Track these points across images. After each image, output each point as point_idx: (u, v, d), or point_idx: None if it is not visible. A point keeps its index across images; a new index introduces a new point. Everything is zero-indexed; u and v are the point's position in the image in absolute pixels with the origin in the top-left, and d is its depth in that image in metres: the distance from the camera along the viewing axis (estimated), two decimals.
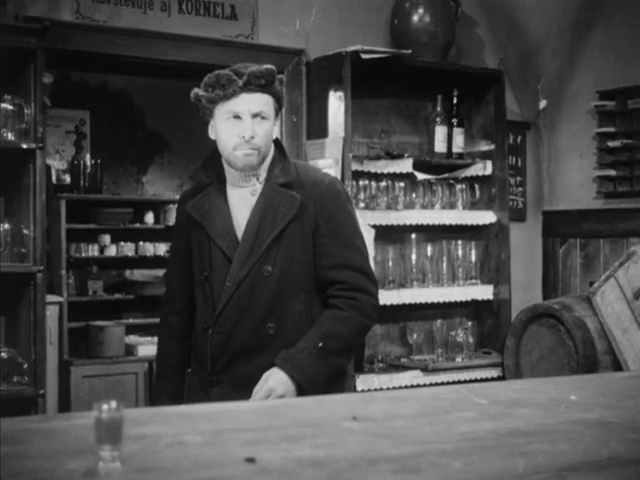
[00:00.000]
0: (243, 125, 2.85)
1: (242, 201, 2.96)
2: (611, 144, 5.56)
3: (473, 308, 5.57)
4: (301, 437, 1.70)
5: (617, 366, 4.74)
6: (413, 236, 5.26)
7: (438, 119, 5.41)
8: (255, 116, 2.86)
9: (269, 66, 2.91)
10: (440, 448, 1.61)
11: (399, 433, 1.75)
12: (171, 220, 7.54)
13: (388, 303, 5.02)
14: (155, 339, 6.51)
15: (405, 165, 5.12)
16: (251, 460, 1.49)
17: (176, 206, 3.21)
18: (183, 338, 3.11)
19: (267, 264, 2.91)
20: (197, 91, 2.91)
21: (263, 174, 2.96)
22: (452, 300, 5.31)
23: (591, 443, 1.67)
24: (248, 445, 1.63)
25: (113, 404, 1.49)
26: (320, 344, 2.85)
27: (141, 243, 7.39)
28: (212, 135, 2.98)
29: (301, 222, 2.93)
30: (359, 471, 1.46)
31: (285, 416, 1.94)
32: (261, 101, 2.87)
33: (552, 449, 1.61)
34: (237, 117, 2.86)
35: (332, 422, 1.86)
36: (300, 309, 2.94)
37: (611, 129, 5.57)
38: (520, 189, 6.03)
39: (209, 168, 3.03)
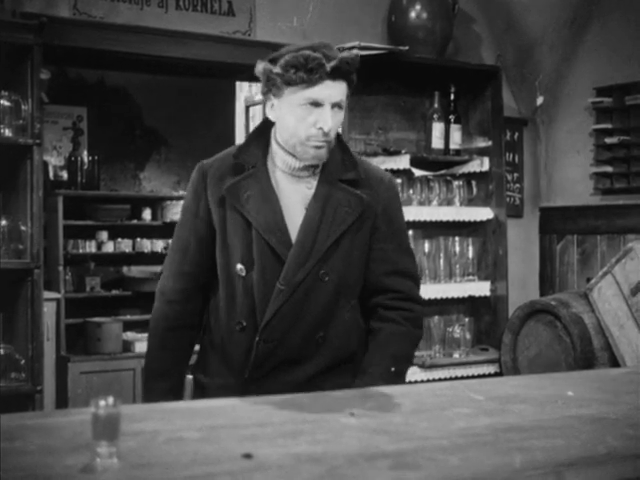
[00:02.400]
0: (323, 115, 2.56)
1: (296, 193, 2.68)
2: (608, 141, 5.56)
3: (470, 304, 5.57)
4: (299, 433, 1.71)
5: (614, 362, 4.74)
6: (410, 232, 5.26)
7: (435, 115, 5.41)
8: (334, 106, 2.59)
9: (357, 52, 2.68)
10: (437, 444, 1.62)
11: (396, 429, 1.75)
12: (169, 216, 7.54)
13: None
14: None
15: (402, 161, 5.12)
16: (248, 456, 1.50)
17: (191, 178, 2.79)
18: (186, 330, 2.79)
19: (325, 268, 2.65)
20: (270, 67, 2.59)
21: (319, 167, 2.69)
22: (449, 296, 5.31)
23: (588, 439, 1.67)
24: (246, 441, 1.64)
25: (110, 400, 1.50)
26: (392, 368, 2.66)
27: (138, 239, 7.38)
28: (272, 116, 2.66)
29: (361, 223, 2.69)
30: (357, 467, 1.46)
31: (283, 412, 1.95)
32: (341, 90, 2.61)
33: (549, 445, 1.61)
34: (316, 105, 2.57)
35: (330, 418, 1.87)
36: (350, 317, 2.72)
37: (608, 126, 5.57)
38: (517, 185, 6.04)
39: (254, 147, 2.72)
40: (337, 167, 2.70)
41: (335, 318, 2.68)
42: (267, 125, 2.74)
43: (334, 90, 2.58)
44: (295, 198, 2.67)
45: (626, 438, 1.68)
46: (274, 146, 2.69)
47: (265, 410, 1.98)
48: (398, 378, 2.65)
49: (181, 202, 7.85)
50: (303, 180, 2.68)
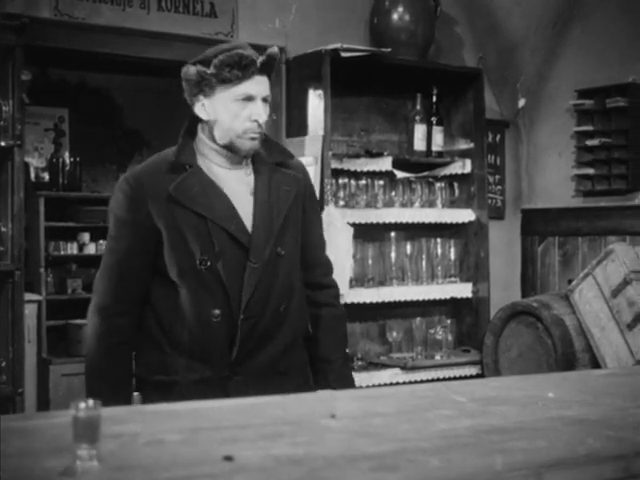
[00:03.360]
0: (256, 108, 2.74)
1: (238, 182, 2.82)
2: (589, 143, 5.58)
3: (452, 306, 5.58)
4: (280, 435, 1.71)
5: (595, 364, 4.76)
6: (392, 234, 5.27)
7: (417, 117, 5.41)
8: (264, 100, 2.77)
9: (275, 49, 2.83)
10: (418, 446, 1.62)
11: (378, 431, 1.76)
12: None
13: (367, 301, 5.03)
14: None
15: (384, 163, 5.12)
16: (229, 458, 1.49)
17: (121, 190, 2.81)
18: (132, 341, 2.83)
19: (279, 244, 2.82)
20: (203, 69, 2.74)
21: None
22: (431, 298, 5.32)
23: (568, 440, 1.68)
24: (226, 443, 1.63)
25: (90, 403, 1.49)
26: (347, 350, 2.95)
27: None
28: (204, 116, 2.79)
29: (296, 202, 2.90)
30: (337, 469, 1.46)
31: (264, 414, 1.94)
32: (267, 84, 2.79)
33: (530, 446, 1.62)
34: (249, 99, 2.73)
35: (311, 420, 1.87)
36: (300, 287, 2.93)
37: (590, 128, 5.60)
38: (499, 187, 6.05)
39: (189, 148, 2.84)
40: (267, 152, 2.88)
41: (293, 290, 2.88)
42: (194, 125, 2.87)
43: (263, 85, 2.77)
44: (239, 188, 2.82)
45: (606, 439, 1.68)
46: (207, 143, 2.82)
47: (246, 412, 1.98)
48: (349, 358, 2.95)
49: None
50: (240, 170, 2.84)
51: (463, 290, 5.43)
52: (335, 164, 4.96)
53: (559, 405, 2.06)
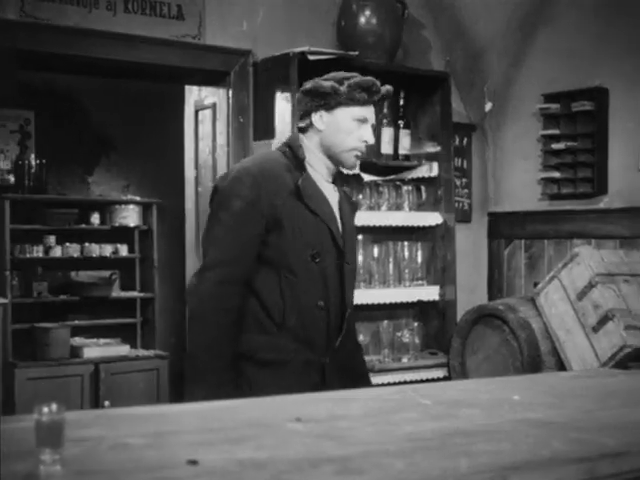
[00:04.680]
0: (367, 131, 3.13)
1: (331, 193, 3.18)
2: (555, 146, 5.61)
3: (419, 309, 5.60)
4: (244, 439, 1.70)
5: (561, 366, 4.79)
6: (360, 237, 5.26)
7: (384, 121, 5.42)
8: (372, 125, 3.16)
9: (391, 88, 3.23)
10: (383, 449, 1.62)
11: (343, 434, 1.75)
12: (117, 221, 7.49)
13: None
14: (102, 341, 6.50)
15: None
16: (193, 462, 1.49)
17: (246, 178, 3.06)
18: (239, 323, 3.05)
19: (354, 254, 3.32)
20: (337, 86, 3.09)
21: None
22: (398, 301, 5.33)
23: (533, 443, 1.68)
24: (191, 447, 1.63)
25: (54, 407, 1.48)
26: None
27: (87, 244, 7.32)
28: (321, 126, 3.12)
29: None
30: (302, 472, 1.45)
31: (229, 418, 1.94)
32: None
33: (495, 449, 1.62)
34: (363, 122, 3.11)
35: (276, 423, 1.86)
36: None
37: (555, 131, 5.63)
38: (466, 190, 6.07)
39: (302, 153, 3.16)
40: (337, 176, 3.26)
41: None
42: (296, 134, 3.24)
43: (374, 113, 3.18)
44: (332, 197, 3.18)
45: (571, 442, 1.69)
46: (315, 152, 3.16)
47: (211, 415, 1.97)
48: None
49: (130, 206, 7.83)
50: (330, 183, 3.21)
51: (430, 293, 5.44)
52: None
53: (524, 408, 2.07)
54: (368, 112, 3.13)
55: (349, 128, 3.11)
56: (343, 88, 3.09)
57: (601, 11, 5.47)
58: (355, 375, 3.20)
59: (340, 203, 3.21)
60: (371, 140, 3.15)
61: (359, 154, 3.16)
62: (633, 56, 5.29)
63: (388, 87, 3.21)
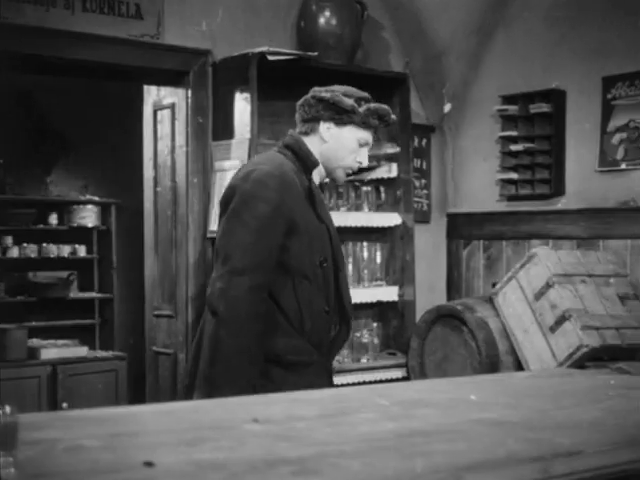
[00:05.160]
0: (364, 154, 3.27)
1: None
2: (513, 148, 5.65)
3: (378, 309, 5.61)
4: (201, 440, 1.69)
5: (518, 366, 4.82)
6: None
7: None
8: (369, 149, 3.33)
9: (394, 117, 3.42)
10: (340, 449, 1.62)
11: (300, 435, 1.75)
12: (76, 221, 7.44)
13: None
14: (60, 342, 6.45)
15: None
16: (150, 464, 1.48)
17: (270, 181, 3.07)
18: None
19: None
20: (355, 105, 3.21)
21: None
22: (357, 301, 5.32)
23: (489, 442, 1.69)
24: (147, 449, 1.62)
25: (7, 409, 1.47)
26: None
27: (44, 244, 7.27)
28: (327, 137, 3.21)
29: None
30: (258, 473, 1.45)
31: (186, 419, 1.93)
32: None
33: (450, 449, 1.63)
34: (364, 145, 3.26)
35: (233, 424, 1.86)
36: None
37: (514, 133, 5.67)
38: (425, 191, 6.10)
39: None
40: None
41: None
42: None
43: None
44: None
45: (526, 441, 1.70)
46: (317, 161, 3.22)
47: (168, 417, 1.96)
48: None
49: (88, 206, 7.78)
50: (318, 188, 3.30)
51: (389, 293, 5.46)
52: None
53: (481, 407, 2.08)
54: (370, 137, 3.27)
55: (352, 148, 3.22)
56: (361, 109, 3.21)
57: (556, 15, 5.51)
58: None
59: (326, 209, 3.33)
60: (366, 163, 3.29)
61: (350, 172, 3.29)
62: (589, 58, 5.34)
63: (394, 117, 3.38)
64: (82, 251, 7.63)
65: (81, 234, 7.71)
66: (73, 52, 4.81)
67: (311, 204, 3.15)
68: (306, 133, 3.25)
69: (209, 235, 5.03)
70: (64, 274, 7.50)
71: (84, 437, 1.71)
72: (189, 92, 5.10)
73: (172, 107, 5.26)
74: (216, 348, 2.98)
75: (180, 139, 5.18)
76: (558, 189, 5.49)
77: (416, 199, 5.90)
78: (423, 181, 6.09)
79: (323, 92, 3.26)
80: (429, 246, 6.05)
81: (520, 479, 1.50)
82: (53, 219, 7.43)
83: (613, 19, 5.24)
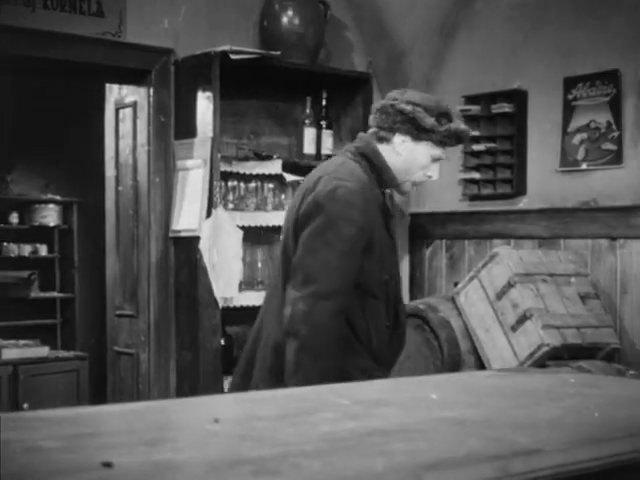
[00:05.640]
0: (435, 170, 3.16)
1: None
2: (476, 147, 5.68)
3: None
4: (161, 440, 1.68)
5: (480, 365, 4.84)
6: (282, 238, 5.26)
7: (307, 121, 5.43)
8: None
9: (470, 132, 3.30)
10: (300, 449, 1.61)
11: (260, 435, 1.75)
12: (37, 220, 7.38)
13: (257, 304, 5.00)
14: (21, 342, 6.40)
15: (274, 166, 5.13)
16: (108, 465, 1.47)
17: (356, 200, 3.00)
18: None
19: None
20: (435, 125, 3.07)
21: None
22: None
23: (449, 441, 1.70)
24: (107, 449, 1.61)
25: None
26: None
27: (5, 244, 7.21)
28: (401, 150, 3.11)
29: None
30: (218, 473, 1.45)
31: (147, 419, 1.92)
32: None
33: (410, 448, 1.63)
34: (435, 161, 3.14)
35: (194, 425, 1.85)
36: None
37: (476, 133, 5.69)
38: (388, 191, 6.10)
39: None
40: None
41: None
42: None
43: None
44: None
45: (486, 440, 1.71)
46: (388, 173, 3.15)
47: (129, 417, 1.95)
48: None
49: (50, 205, 7.71)
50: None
51: None
52: (224, 167, 4.95)
53: (441, 406, 2.09)
54: (444, 154, 3.17)
55: (424, 163, 3.13)
56: (442, 129, 3.08)
57: (518, 16, 5.54)
58: None
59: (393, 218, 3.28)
60: (436, 177, 3.21)
61: (415, 187, 3.25)
62: (550, 59, 5.37)
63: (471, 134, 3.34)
64: (43, 250, 7.58)
65: (42, 233, 7.65)
66: (34, 50, 4.77)
67: (385, 219, 3.11)
68: (380, 140, 3.15)
69: (171, 234, 5.02)
70: (25, 274, 7.45)
71: (44, 438, 1.69)
72: (151, 91, 5.07)
73: (134, 106, 5.24)
74: (297, 373, 2.93)
75: (142, 138, 5.15)
76: (520, 189, 5.53)
77: None
78: None
79: (403, 103, 3.10)
80: None
81: (479, 478, 1.50)
82: (14, 218, 7.37)
83: (575, 20, 5.28)
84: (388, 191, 3.20)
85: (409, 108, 3.07)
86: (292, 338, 2.94)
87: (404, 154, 3.11)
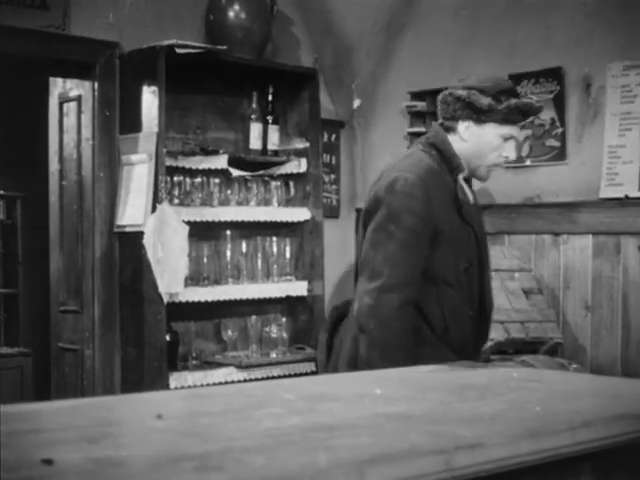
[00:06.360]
0: (512, 148, 3.15)
1: (470, 197, 3.19)
2: None
3: (287, 304, 5.61)
4: (103, 437, 1.67)
5: None
6: (228, 233, 5.25)
7: (253, 116, 5.42)
8: (515, 141, 3.21)
9: (541, 108, 3.26)
10: (244, 444, 1.61)
11: (204, 430, 1.74)
12: None
13: (203, 300, 5.00)
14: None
15: (220, 161, 5.11)
16: (49, 462, 1.45)
17: (414, 191, 3.02)
18: None
19: None
20: (492, 103, 3.06)
21: None
22: (267, 296, 5.33)
23: (392, 436, 1.71)
24: (48, 446, 1.59)
25: None
26: None
27: None
28: (467, 137, 3.12)
29: None
30: (160, 470, 1.44)
31: (89, 416, 1.90)
32: None
33: (354, 443, 1.64)
34: (508, 139, 3.13)
35: (136, 421, 1.84)
36: None
37: (422, 129, 5.71)
38: (334, 186, 6.12)
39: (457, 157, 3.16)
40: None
41: None
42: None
43: (519, 130, 3.21)
44: (471, 200, 3.20)
45: (429, 434, 1.72)
46: (460, 160, 3.15)
47: (71, 414, 1.93)
48: None
49: None
50: (466, 185, 3.19)
51: (298, 288, 5.46)
52: (170, 162, 4.92)
53: (385, 401, 2.10)
54: (516, 131, 3.15)
55: (494, 145, 3.12)
56: (501, 107, 3.07)
57: (464, 13, 5.58)
58: None
59: (475, 206, 3.24)
60: (513, 157, 3.19)
61: (495, 169, 3.21)
62: (495, 56, 5.41)
63: (540, 106, 3.23)
64: None
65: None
66: None
67: (456, 207, 3.09)
68: (447, 130, 3.17)
69: (116, 230, 4.98)
70: None
71: None
72: (96, 84, 5.02)
73: (78, 99, 5.18)
74: (369, 365, 2.96)
75: (86, 132, 5.10)
76: None
77: (325, 194, 5.91)
78: (332, 176, 6.10)
79: (460, 89, 3.13)
80: (338, 241, 6.07)
81: (422, 472, 1.51)
82: None
83: (520, 18, 5.32)
84: (461, 178, 3.15)
85: (464, 93, 3.10)
86: (362, 333, 3.01)
87: (471, 139, 3.13)
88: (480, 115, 3.09)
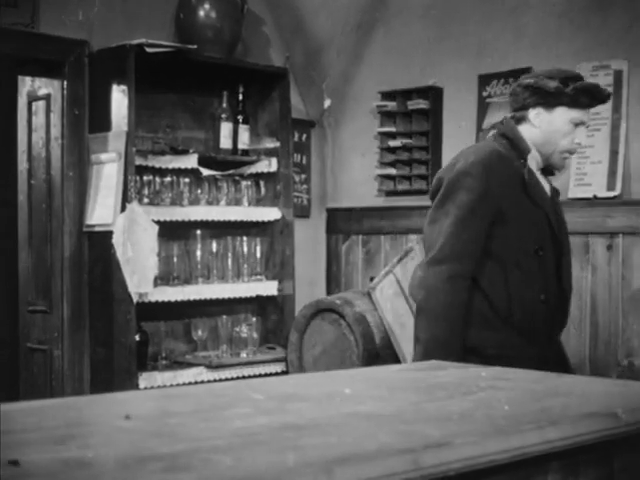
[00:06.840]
0: (582, 134, 3.21)
1: (545, 184, 3.26)
2: (392, 144, 5.71)
3: (258, 304, 5.61)
4: (70, 437, 1.66)
5: (396, 360, 4.88)
6: (198, 232, 5.24)
7: (224, 115, 5.41)
8: (586, 127, 3.26)
9: (610, 92, 3.27)
10: (212, 444, 1.61)
11: (172, 430, 1.74)
12: None
13: (173, 299, 4.99)
14: None
15: (190, 161, 5.10)
16: (14, 463, 1.44)
17: (476, 171, 3.10)
18: (466, 316, 3.07)
19: None
20: (560, 86, 3.11)
21: None
22: (237, 296, 5.33)
23: (361, 435, 1.70)
24: (14, 447, 1.58)
25: None
26: None
27: None
28: (537, 123, 3.19)
29: None
30: (128, 470, 1.43)
31: (56, 416, 1.89)
32: None
33: (322, 442, 1.63)
34: (579, 124, 3.18)
35: (104, 421, 1.83)
36: None
37: (392, 129, 5.73)
38: (305, 186, 6.12)
39: (523, 143, 3.21)
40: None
41: None
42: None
43: (589, 115, 3.25)
44: (546, 188, 3.25)
45: (397, 433, 1.72)
46: (529, 145, 3.20)
47: (37, 415, 1.92)
48: None
49: None
50: (540, 174, 3.25)
51: (269, 288, 5.46)
52: (139, 161, 4.90)
53: (355, 401, 2.09)
54: (586, 116, 3.19)
55: (565, 130, 3.17)
56: (568, 90, 3.12)
57: (434, 14, 5.59)
58: (567, 368, 3.24)
59: (552, 193, 3.27)
60: (584, 143, 3.25)
61: (569, 156, 3.24)
62: (465, 57, 5.43)
63: (609, 91, 3.23)
64: None
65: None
66: None
67: (525, 190, 3.12)
68: (518, 122, 3.23)
69: (85, 229, 4.95)
70: None
71: None
72: (65, 83, 4.99)
73: (47, 98, 5.15)
74: (417, 337, 3.04)
75: (55, 131, 5.07)
76: None
77: (296, 194, 5.91)
78: (303, 176, 6.10)
79: (527, 78, 3.21)
80: (309, 241, 6.08)
81: (390, 471, 1.51)
82: None
83: (490, 19, 5.34)
84: (530, 162, 3.20)
85: (532, 80, 3.17)
86: (415, 305, 3.08)
87: (542, 126, 3.18)
88: (549, 98, 3.15)
